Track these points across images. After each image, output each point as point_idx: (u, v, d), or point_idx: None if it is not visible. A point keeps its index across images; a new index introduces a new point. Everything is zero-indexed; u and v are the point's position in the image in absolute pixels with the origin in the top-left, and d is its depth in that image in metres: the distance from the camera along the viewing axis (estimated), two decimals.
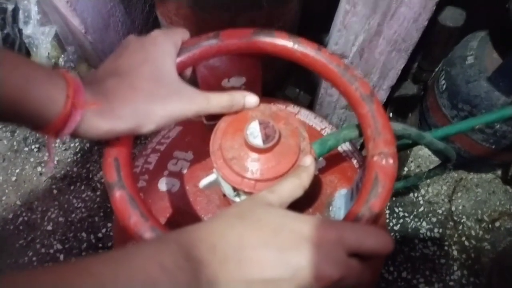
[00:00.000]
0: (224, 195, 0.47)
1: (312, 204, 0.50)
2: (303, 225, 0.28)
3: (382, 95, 0.81)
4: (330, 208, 0.50)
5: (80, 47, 0.93)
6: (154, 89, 0.34)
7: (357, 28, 0.65)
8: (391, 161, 0.34)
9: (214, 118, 0.42)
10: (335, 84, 0.40)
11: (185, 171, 0.52)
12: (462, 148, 1.08)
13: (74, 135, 0.31)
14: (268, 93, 0.52)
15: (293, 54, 0.41)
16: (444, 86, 1.03)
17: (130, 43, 0.37)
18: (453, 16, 0.75)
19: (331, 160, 0.53)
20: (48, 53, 0.92)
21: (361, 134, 0.42)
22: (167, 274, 0.24)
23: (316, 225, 0.28)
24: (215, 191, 0.49)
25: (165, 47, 0.37)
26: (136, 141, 1.12)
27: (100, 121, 0.32)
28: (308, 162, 0.37)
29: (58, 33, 0.98)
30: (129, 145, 0.36)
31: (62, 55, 0.92)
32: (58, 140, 1.20)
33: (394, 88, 0.83)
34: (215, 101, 0.38)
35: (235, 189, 0.39)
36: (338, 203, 0.50)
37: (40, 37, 0.85)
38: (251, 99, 0.41)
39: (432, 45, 0.82)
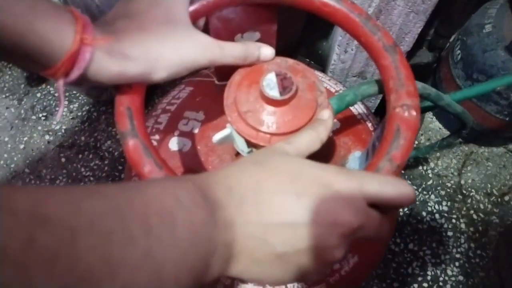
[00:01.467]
0: (237, 154, 0.46)
1: (325, 157, 0.48)
2: (323, 172, 0.27)
3: None
4: None
5: (86, 10, 0.90)
6: (166, 32, 0.33)
7: None
8: (414, 113, 0.33)
9: (226, 77, 0.40)
10: (356, 35, 0.38)
11: (196, 131, 0.50)
12: (475, 121, 1.06)
13: (83, 79, 0.30)
14: None
15: (312, 3, 0.39)
16: (459, 56, 1.00)
17: None
18: None
19: (345, 122, 0.52)
20: None
21: (380, 90, 0.41)
22: (183, 209, 0.23)
23: (336, 172, 0.27)
24: (227, 151, 0.48)
25: None
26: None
27: (110, 62, 0.30)
28: (326, 115, 0.36)
29: None
30: (141, 94, 0.35)
31: None
32: (64, 109, 1.19)
33: (409, 54, 0.80)
34: (229, 50, 0.36)
35: (249, 145, 0.38)
36: (352, 165, 0.49)
37: None
38: (267, 50, 0.39)
39: (451, 8, 0.79)
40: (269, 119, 0.36)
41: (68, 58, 0.28)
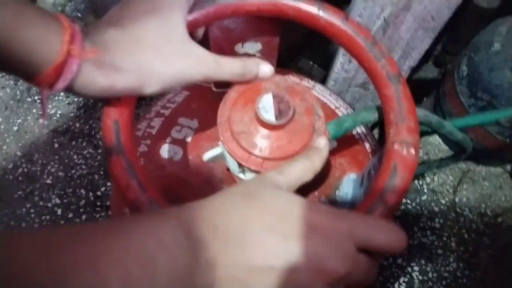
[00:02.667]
0: (228, 169, 0.45)
1: (319, 186, 0.47)
2: (312, 213, 0.26)
3: None
4: (337, 192, 0.48)
5: (89, 1, 0.88)
6: (160, 44, 0.31)
7: (385, 0, 0.61)
8: (413, 151, 0.32)
9: (224, 85, 0.39)
10: (360, 59, 0.36)
11: (189, 140, 0.49)
12: (475, 139, 1.05)
13: (69, 90, 0.29)
14: (280, 64, 0.48)
15: (317, 22, 0.37)
16: (465, 73, 0.98)
17: None
18: None
19: (342, 142, 0.51)
20: (54, 0, 0.87)
21: (380, 117, 0.39)
22: (165, 252, 0.22)
23: (326, 214, 0.26)
24: (219, 164, 0.47)
25: (176, 1, 0.33)
26: (141, 101, 1.09)
27: (99, 75, 0.28)
28: (322, 144, 0.34)
29: None
30: (131, 107, 0.33)
31: (69, 3, 0.87)
32: (61, 93, 1.17)
33: (414, 69, 0.78)
34: (226, 66, 0.35)
35: (240, 165, 0.37)
36: (346, 187, 0.48)
37: None
38: (266, 68, 0.37)
39: (461, 26, 0.77)
40: (263, 142, 0.34)
41: (53, 69, 0.26)
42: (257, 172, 0.35)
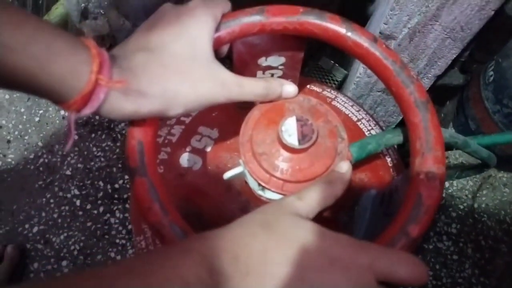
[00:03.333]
0: (246, 182, 0.45)
1: (337, 201, 0.47)
2: (333, 244, 0.26)
3: (426, 83, 0.75)
4: (356, 208, 0.47)
5: None
6: (187, 68, 0.31)
7: (413, 9, 0.59)
8: (438, 182, 0.31)
9: (247, 103, 0.39)
10: (387, 83, 0.36)
11: (208, 149, 0.49)
12: (498, 146, 1.02)
13: (96, 113, 0.29)
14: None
15: (344, 42, 0.36)
16: (492, 78, 0.95)
17: (165, 13, 0.33)
18: None
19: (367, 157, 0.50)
20: None
21: (406, 140, 0.39)
22: None
23: (347, 246, 0.26)
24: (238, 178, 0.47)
25: (203, 21, 0.33)
26: None
27: (125, 101, 0.29)
28: (345, 169, 0.34)
29: None
30: (155, 127, 0.33)
31: (93, 0, 0.88)
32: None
33: (439, 76, 0.76)
34: (249, 88, 0.35)
35: (260, 185, 0.37)
36: (365, 203, 0.47)
37: None
38: (289, 88, 0.37)
39: (492, 36, 0.74)
40: (284, 165, 0.34)
41: (81, 98, 0.27)
42: (277, 193, 0.35)
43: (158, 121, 0.34)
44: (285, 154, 0.34)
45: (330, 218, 0.45)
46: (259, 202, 0.41)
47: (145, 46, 0.30)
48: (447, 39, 0.62)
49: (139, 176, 0.31)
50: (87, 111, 0.28)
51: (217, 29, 0.35)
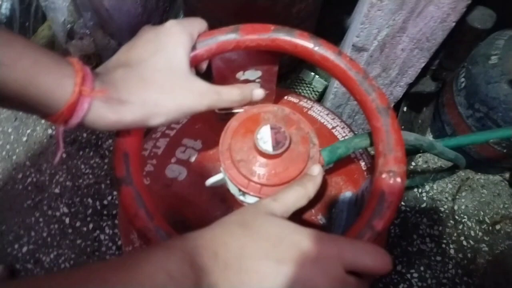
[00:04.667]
0: (229, 190, 0.48)
1: (315, 205, 0.50)
2: (303, 238, 0.29)
3: (399, 91, 0.79)
4: (333, 210, 0.50)
5: (96, 14, 0.91)
6: (165, 81, 0.34)
7: (381, 22, 0.63)
8: (399, 180, 0.34)
9: (226, 108, 0.42)
10: (352, 92, 0.39)
11: (192, 160, 0.52)
12: (473, 149, 1.07)
13: (82, 125, 0.31)
14: (283, 75, 0.51)
15: (312, 56, 0.39)
16: (463, 84, 1.01)
17: (144, 33, 0.36)
18: (482, 18, 0.71)
19: (338, 160, 0.53)
20: (64, 19, 0.90)
21: (372, 143, 0.42)
22: (174, 282, 0.25)
23: (316, 239, 0.29)
24: (221, 186, 0.49)
25: (180, 38, 0.36)
26: None
27: (108, 111, 0.31)
28: (316, 171, 0.37)
29: None
30: (139, 139, 0.36)
31: (78, 21, 0.91)
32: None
33: (411, 84, 0.81)
34: (226, 96, 0.38)
35: (240, 190, 0.39)
36: (342, 205, 0.50)
37: (57, 1, 0.84)
38: (258, 91, 0.41)
39: (457, 45, 0.79)
40: (261, 170, 0.37)
41: (67, 108, 0.29)
42: (256, 197, 0.38)
43: (142, 132, 0.37)
44: (261, 160, 0.37)
45: (309, 221, 0.48)
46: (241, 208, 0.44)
47: (125, 63, 0.33)
48: (415, 49, 0.67)
49: (125, 184, 0.33)
50: (74, 121, 0.30)
51: (195, 47, 0.38)
